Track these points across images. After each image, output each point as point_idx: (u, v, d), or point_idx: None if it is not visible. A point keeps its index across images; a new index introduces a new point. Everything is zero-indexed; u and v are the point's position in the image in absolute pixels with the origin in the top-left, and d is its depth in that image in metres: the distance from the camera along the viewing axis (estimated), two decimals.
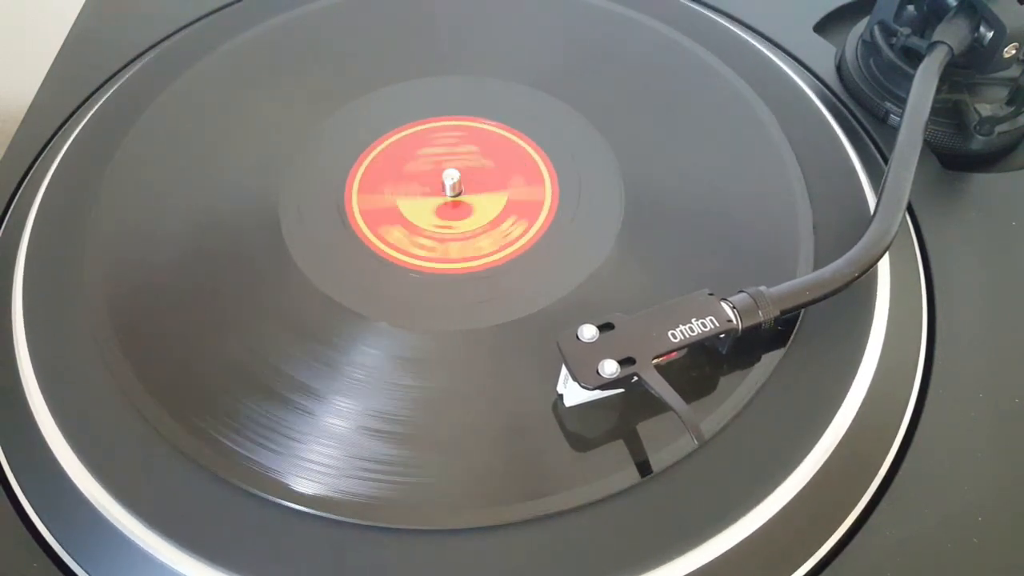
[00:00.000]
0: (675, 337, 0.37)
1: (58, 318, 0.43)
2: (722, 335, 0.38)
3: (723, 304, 0.38)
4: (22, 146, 0.51)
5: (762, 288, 0.39)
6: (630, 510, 0.36)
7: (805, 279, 0.40)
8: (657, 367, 0.36)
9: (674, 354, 0.37)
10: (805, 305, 0.39)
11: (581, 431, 0.38)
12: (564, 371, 0.37)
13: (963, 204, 0.47)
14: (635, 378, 0.36)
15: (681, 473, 0.37)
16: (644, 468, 0.37)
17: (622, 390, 0.38)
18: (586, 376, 0.36)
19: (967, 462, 0.39)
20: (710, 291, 0.39)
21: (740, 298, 0.38)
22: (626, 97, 0.51)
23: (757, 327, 0.38)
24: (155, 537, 0.36)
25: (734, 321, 0.38)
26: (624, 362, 0.36)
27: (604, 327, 0.37)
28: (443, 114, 0.50)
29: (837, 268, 0.40)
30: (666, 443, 0.37)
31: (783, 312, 0.39)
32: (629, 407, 0.39)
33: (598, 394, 0.37)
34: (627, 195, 0.46)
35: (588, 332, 0.37)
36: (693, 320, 0.37)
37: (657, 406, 0.38)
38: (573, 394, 0.38)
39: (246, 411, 0.39)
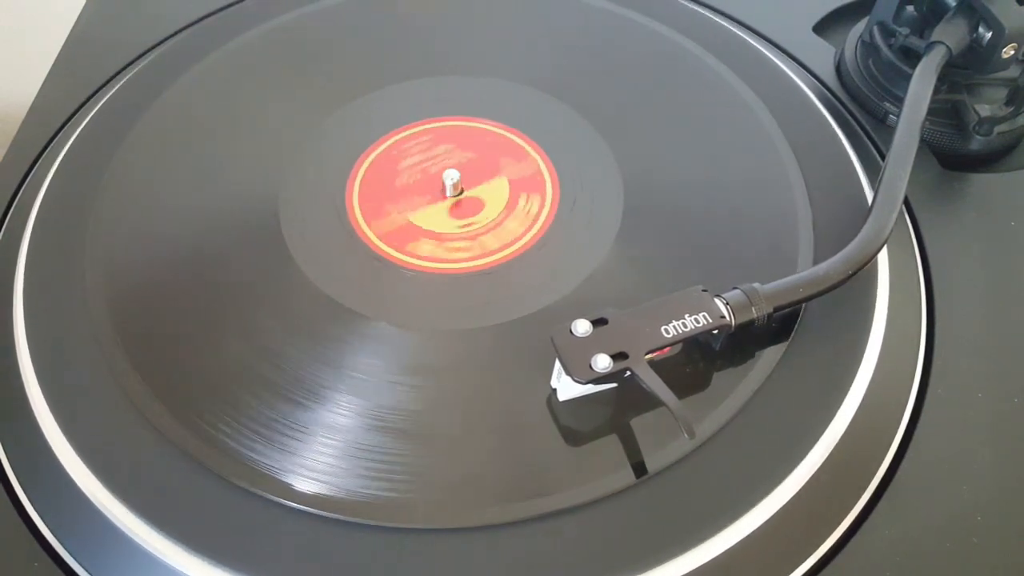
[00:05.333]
0: (668, 332, 0.37)
1: (59, 318, 0.43)
2: (715, 331, 0.38)
3: (716, 300, 0.38)
4: (23, 146, 0.52)
5: (756, 285, 0.39)
6: (628, 510, 0.36)
7: (799, 276, 0.40)
8: (652, 363, 0.36)
9: (667, 349, 0.37)
10: (799, 302, 0.39)
11: (581, 431, 0.38)
12: (558, 365, 0.37)
13: (962, 204, 0.47)
14: (628, 373, 0.36)
15: (680, 473, 0.37)
16: (642, 468, 0.37)
17: (615, 384, 0.37)
18: (579, 370, 0.36)
19: (967, 462, 0.39)
20: (703, 287, 0.39)
21: (733, 294, 0.38)
22: (625, 97, 0.51)
23: (750, 323, 0.38)
24: (156, 535, 0.36)
25: (727, 317, 0.38)
26: (617, 357, 0.36)
27: (598, 322, 0.37)
28: (443, 114, 0.50)
29: (831, 266, 0.40)
30: (665, 443, 0.37)
31: (776, 309, 0.39)
32: (629, 407, 0.38)
33: (591, 388, 0.37)
34: (626, 195, 0.46)
35: (582, 327, 0.37)
36: (686, 316, 0.37)
37: (657, 406, 0.38)
38: (566, 388, 0.38)
39: (246, 410, 0.39)
